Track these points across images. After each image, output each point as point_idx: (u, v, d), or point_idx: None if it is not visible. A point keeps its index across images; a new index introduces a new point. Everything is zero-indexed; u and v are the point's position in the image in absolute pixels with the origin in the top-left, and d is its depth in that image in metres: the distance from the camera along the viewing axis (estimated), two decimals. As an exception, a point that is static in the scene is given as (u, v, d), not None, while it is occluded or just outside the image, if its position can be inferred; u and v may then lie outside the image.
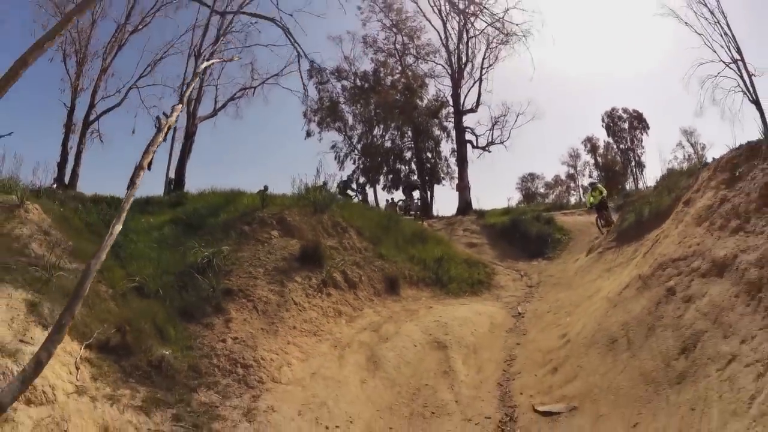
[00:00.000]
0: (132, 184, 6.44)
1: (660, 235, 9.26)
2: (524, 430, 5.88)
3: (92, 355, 6.12)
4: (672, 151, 39.97)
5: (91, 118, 24.93)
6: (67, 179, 23.00)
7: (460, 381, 7.27)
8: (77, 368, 5.57)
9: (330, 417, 6.31)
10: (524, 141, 70.98)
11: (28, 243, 7.82)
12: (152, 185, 41.44)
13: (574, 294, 10.48)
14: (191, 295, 8.26)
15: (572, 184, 57.11)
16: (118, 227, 5.95)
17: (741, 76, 27.66)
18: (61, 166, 23.57)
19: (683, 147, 39.60)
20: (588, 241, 15.84)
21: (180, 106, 8.37)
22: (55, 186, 18.92)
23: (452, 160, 33.99)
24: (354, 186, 26.68)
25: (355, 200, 23.13)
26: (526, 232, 18.28)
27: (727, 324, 5.14)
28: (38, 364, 4.53)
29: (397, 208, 24.72)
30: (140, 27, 25.95)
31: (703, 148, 37.90)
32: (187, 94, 13.11)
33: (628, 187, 39.65)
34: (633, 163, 51.72)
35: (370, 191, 34.07)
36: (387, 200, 29.40)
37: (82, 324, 6.35)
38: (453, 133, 33.16)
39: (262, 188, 15.91)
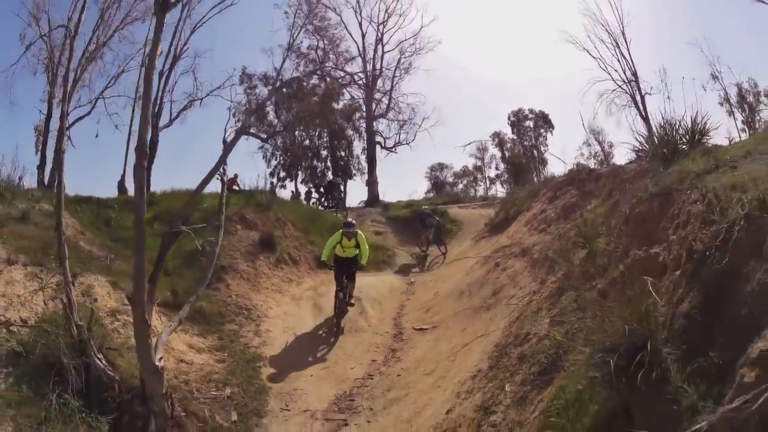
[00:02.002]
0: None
1: (507, 229, 14.49)
2: (408, 337, 10.67)
3: (163, 309, 9.72)
4: (578, 149, 43.90)
5: (66, 125, 27.51)
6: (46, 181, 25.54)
7: (370, 316, 12.09)
8: (159, 318, 9.26)
9: (299, 331, 11.18)
10: (440, 134, 76.77)
11: (77, 241, 11.16)
12: (108, 187, 44.11)
13: (451, 269, 15.42)
14: (199, 271, 11.47)
15: (479, 176, 63.02)
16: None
17: (633, 96, 33.05)
18: (41, 169, 26.43)
19: (590, 145, 43.28)
20: (474, 231, 20.77)
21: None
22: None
23: (363, 158, 38.96)
24: (335, 189, 30.61)
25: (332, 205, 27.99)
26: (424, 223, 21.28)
27: (518, 281, 10.00)
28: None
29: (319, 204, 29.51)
30: (104, 42, 29.00)
31: (611, 146, 41.60)
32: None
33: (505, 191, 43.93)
34: (536, 160, 58.06)
35: (290, 185, 38.96)
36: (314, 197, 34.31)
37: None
38: (365, 135, 37.99)
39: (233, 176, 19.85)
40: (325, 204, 29.39)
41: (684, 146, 6.12)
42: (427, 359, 9.22)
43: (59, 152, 8.65)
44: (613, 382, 3.43)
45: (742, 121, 33.69)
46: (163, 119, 31.87)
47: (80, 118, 28.99)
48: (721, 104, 34.32)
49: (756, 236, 3.08)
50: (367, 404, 8.21)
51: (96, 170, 50.51)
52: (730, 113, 34.23)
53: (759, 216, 3.15)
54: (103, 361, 6.36)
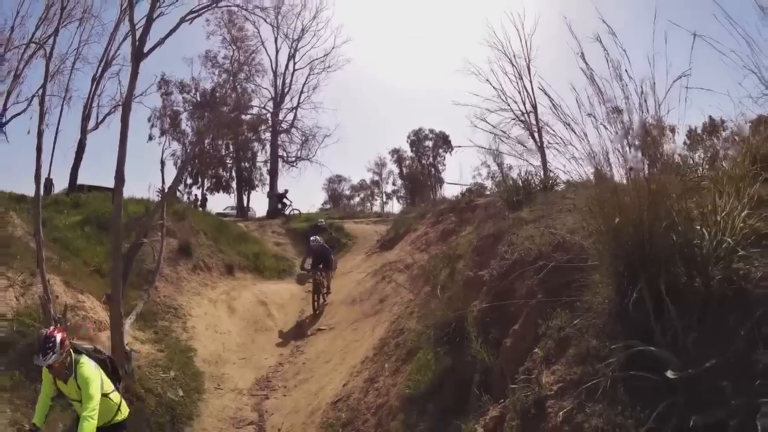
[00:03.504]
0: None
1: (395, 247, 17.28)
2: (309, 336, 13.16)
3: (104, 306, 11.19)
4: (475, 168, 46.43)
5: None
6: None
7: (275, 318, 14.50)
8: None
9: (219, 329, 13.28)
10: (341, 148, 78.97)
11: (28, 241, 11.87)
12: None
13: (345, 279, 17.90)
14: (134, 274, 12.75)
15: (376, 190, 65.78)
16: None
17: (529, 128, 33.02)
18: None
19: (488, 166, 46.06)
20: (368, 246, 23.37)
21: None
22: None
23: (266, 170, 41.11)
24: (286, 198, 34.07)
25: (288, 210, 30.73)
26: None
27: (399, 291, 12.63)
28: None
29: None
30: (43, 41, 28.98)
31: (510, 168, 44.16)
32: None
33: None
34: (433, 178, 61.37)
35: (198, 191, 41.20)
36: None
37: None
38: (268, 148, 40.05)
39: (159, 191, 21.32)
40: (281, 210, 33.63)
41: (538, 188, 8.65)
42: (327, 352, 11.70)
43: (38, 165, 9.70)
44: (438, 345, 6.11)
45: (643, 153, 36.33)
46: (92, 122, 32.38)
47: (16, 115, 28.94)
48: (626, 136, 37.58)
49: (523, 267, 5.79)
50: (281, 384, 10.77)
51: (29, 168, 49.00)
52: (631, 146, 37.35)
53: (527, 259, 5.88)
54: (78, 348, 8.29)
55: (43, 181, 10.84)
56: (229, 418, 9.72)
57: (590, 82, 3.98)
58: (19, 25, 27.58)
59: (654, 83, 3.76)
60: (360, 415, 7.95)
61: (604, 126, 3.94)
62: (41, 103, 11.24)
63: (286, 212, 33.40)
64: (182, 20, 11.04)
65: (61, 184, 31.31)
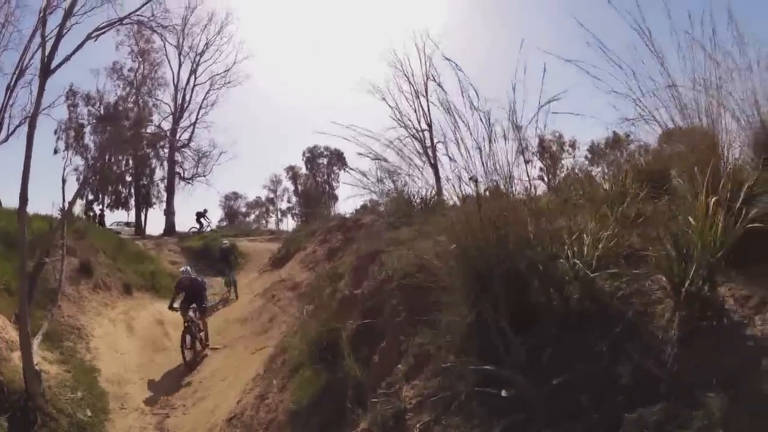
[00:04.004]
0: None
1: (286, 265, 17.06)
2: (205, 354, 12.75)
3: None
4: (374, 183, 46.63)
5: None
6: None
7: (171, 337, 13.89)
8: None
9: (118, 349, 12.77)
10: (238, 164, 77.41)
11: None
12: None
13: (240, 298, 17.54)
14: (37, 292, 11.93)
15: (271, 207, 64.92)
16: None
17: (423, 142, 33.47)
18: None
19: (383, 182, 46.54)
20: (261, 263, 23.03)
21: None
22: None
23: (163, 187, 39.74)
24: (205, 217, 34.36)
25: (207, 228, 29.61)
26: (214, 255, 23.47)
27: (287, 310, 12.49)
28: None
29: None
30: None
31: (404, 185, 45.47)
32: None
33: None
34: (328, 194, 61.29)
35: (97, 208, 38.29)
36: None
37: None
38: (166, 165, 38.77)
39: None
40: (198, 229, 33.62)
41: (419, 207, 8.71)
42: (222, 369, 11.46)
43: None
44: (317, 361, 6.06)
45: (540, 169, 36.28)
46: (3, 134, 29.89)
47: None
48: (522, 153, 38.96)
49: (390, 286, 5.84)
50: (180, 402, 10.62)
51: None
52: (528, 162, 38.81)
53: (393, 279, 5.94)
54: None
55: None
56: (134, 438, 9.58)
57: (447, 113, 4.06)
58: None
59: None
60: (253, 430, 7.78)
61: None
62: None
63: (206, 230, 33.33)
64: (89, 37, 10.68)
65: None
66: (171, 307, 13.40)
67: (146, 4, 12.13)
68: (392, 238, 7.34)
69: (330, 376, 5.99)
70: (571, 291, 3.50)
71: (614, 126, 4.85)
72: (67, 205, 12.59)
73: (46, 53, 9.07)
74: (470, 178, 4.01)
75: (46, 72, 8.93)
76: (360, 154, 4.75)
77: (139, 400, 10.81)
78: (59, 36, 9.34)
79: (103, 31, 10.53)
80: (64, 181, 17.61)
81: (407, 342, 4.41)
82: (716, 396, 2.56)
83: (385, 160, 5.05)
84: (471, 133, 3.94)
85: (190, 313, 13.16)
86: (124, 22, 11.85)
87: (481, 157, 3.95)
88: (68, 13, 9.44)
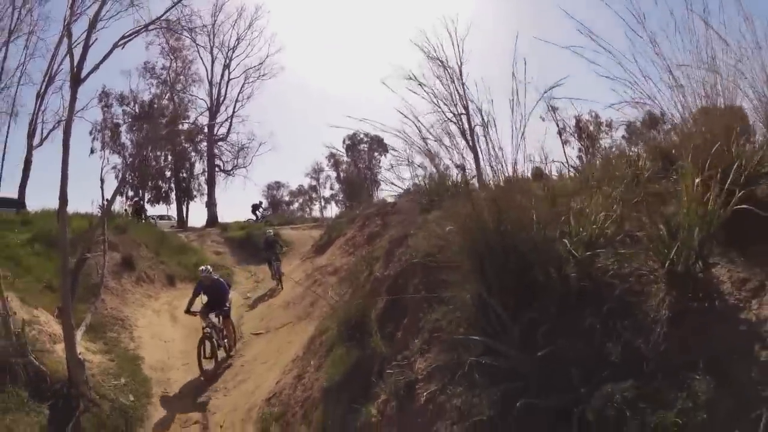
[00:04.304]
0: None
1: (327, 251, 17.50)
2: (247, 340, 13.30)
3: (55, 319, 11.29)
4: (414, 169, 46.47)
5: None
6: None
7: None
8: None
9: (163, 337, 13.38)
10: (278, 155, 78.22)
11: None
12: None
13: (284, 285, 18.11)
14: (79, 287, 12.73)
15: (314, 195, 65.46)
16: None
17: (461, 127, 35.58)
18: None
19: (425, 168, 46.27)
20: (304, 250, 23.55)
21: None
22: None
23: (204, 180, 40.58)
24: (260, 208, 36.49)
25: (262, 219, 34.04)
26: (257, 244, 23.69)
27: (328, 293, 12.90)
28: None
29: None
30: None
31: (446, 168, 45.26)
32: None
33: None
34: (370, 180, 61.25)
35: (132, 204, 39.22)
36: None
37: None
38: (206, 158, 39.49)
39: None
40: (255, 220, 34.95)
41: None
42: (263, 353, 11.92)
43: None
44: (349, 339, 6.43)
45: (579, 149, 36.43)
46: (37, 139, 31.80)
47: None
48: (560, 134, 38.76)
49: (413, 267, 6.12)
50: (222, 386, 10.99)
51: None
52: (567, 143, 38.72)
53: (416, 260, 6.22)
54: (36, 361, 8.42)
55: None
56: (177, 419, 9.95)
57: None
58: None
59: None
60: (290, 408, 8.22)
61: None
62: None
63: (261, 221, 34.36)
64: (115, 45, 10.87)
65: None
66: (188, 311, 12.02)
67: (171, 8, 12.29)
68: (422, 221, 7.61)
69: (359, 353, 6.36)
70: (569, 270, 3.70)
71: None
72: (106, 203, 13.12)
73: (75, 62, 9.56)
74: (457, 166, 4.22)
75: (76, 81, 9.44)
76: (397, 135, 4.92)
77: (181, 384, 11.32)
78: (86, 46, 9.73)
79: (129, 38, 10.85)
80: (102, 180, 18.69)
81: (424, 318, 4.70)
82: (702, 378, 2.65)
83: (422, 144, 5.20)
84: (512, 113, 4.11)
85: (212, 318, 11.98)
86: (149, 28, 12.17)
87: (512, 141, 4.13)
88: (92, 26, 9.85)
